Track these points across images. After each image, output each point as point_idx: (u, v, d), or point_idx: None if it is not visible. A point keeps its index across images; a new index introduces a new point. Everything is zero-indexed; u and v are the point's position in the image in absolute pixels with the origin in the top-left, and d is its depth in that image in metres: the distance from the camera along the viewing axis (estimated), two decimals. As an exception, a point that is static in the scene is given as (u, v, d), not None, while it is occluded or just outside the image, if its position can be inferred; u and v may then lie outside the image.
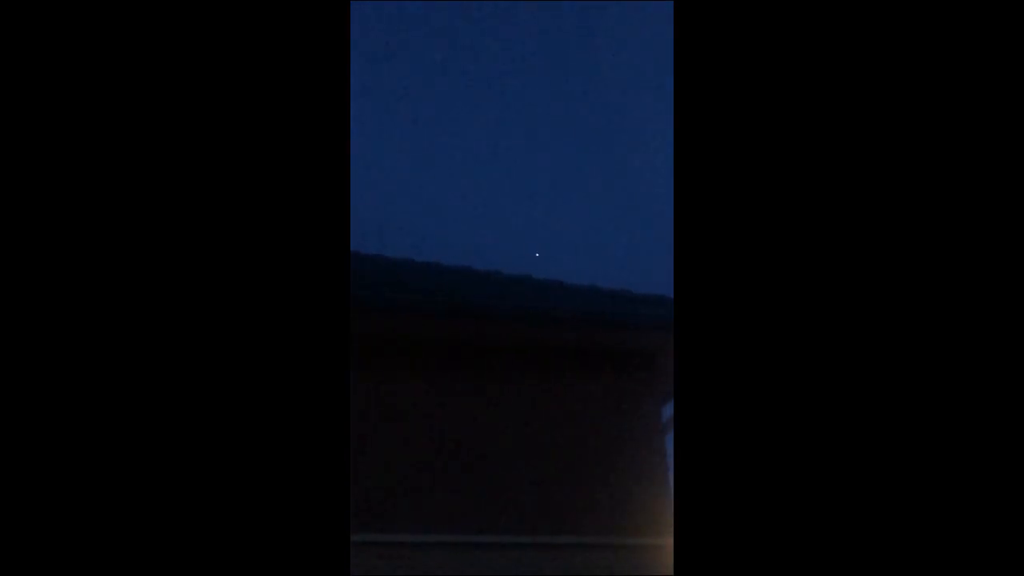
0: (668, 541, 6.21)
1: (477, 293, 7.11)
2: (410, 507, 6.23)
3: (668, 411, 7.22)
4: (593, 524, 6.44)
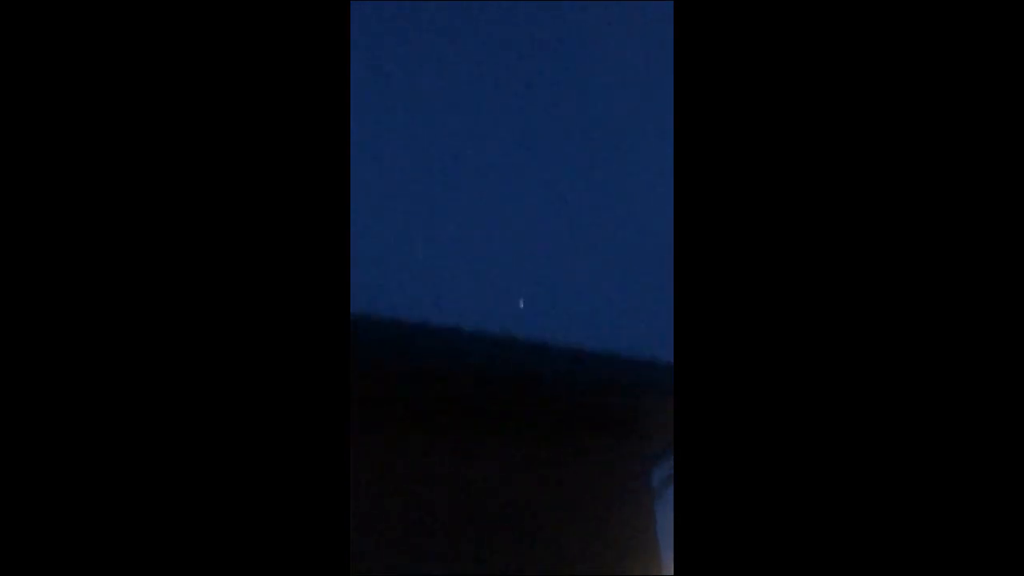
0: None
1: (459, 355, 6.86)
2: (380, 572, 5.93)
3: (658, 477, 6.99)
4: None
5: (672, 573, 6.32)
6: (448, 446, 6.57)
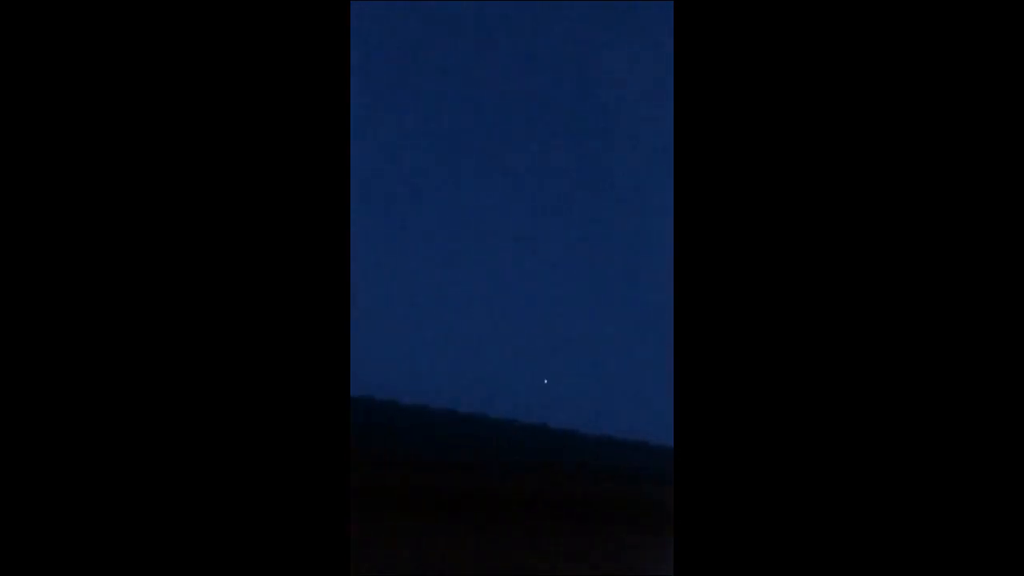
0: None
1: (488, 445, 6.92)
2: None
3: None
4: None
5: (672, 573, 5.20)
6: (473, 537, 6.51)
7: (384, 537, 5.50)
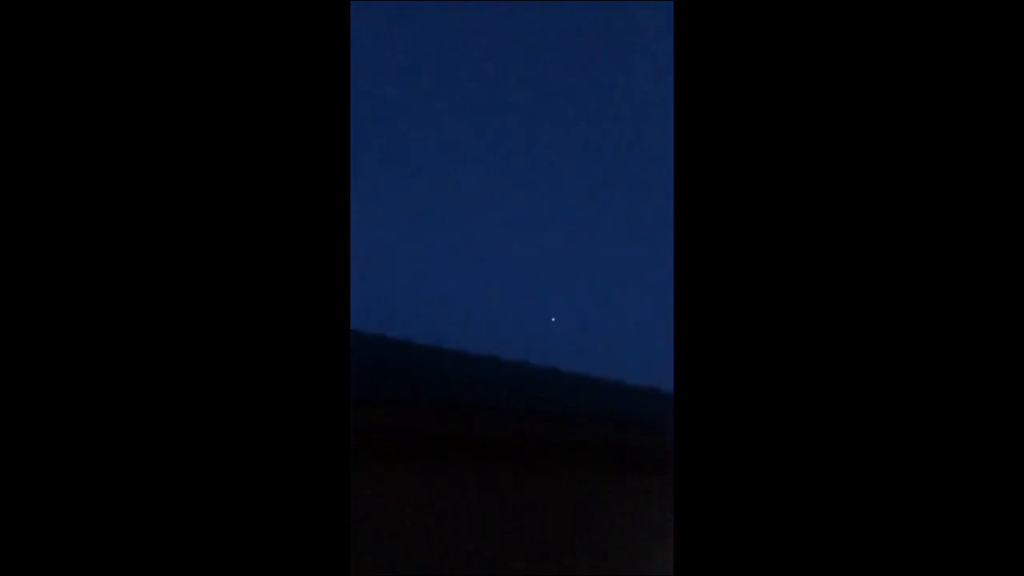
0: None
1: (499, 388, 6.85)
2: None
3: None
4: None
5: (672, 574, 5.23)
6: (482, 483, 6.44)
7: (387, 486, 5.47)
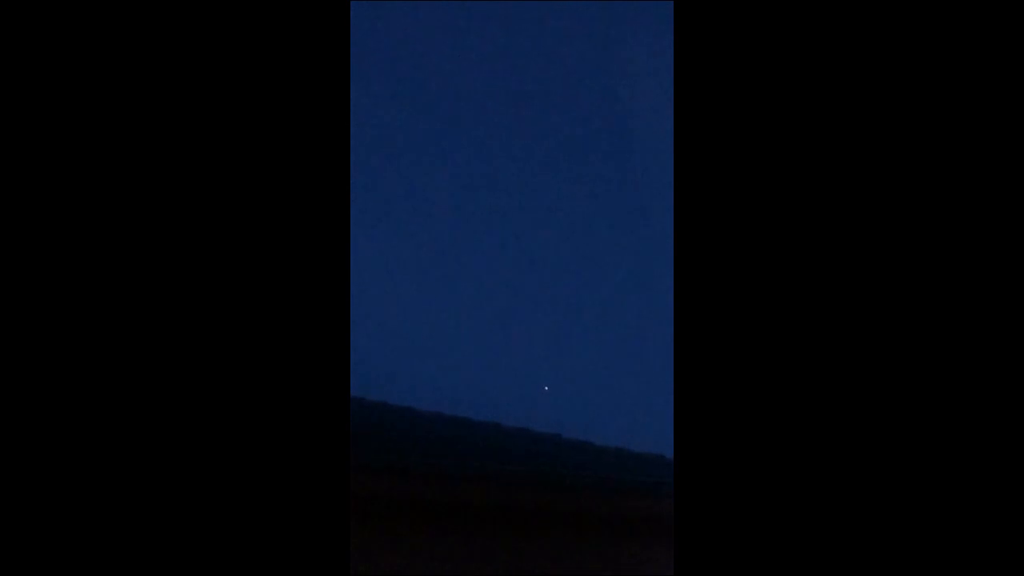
0: None
1: (500, 452, 6.81)
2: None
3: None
4: None
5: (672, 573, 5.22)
6: (481, 551, 6.41)
7: (385, 552, 5.44)
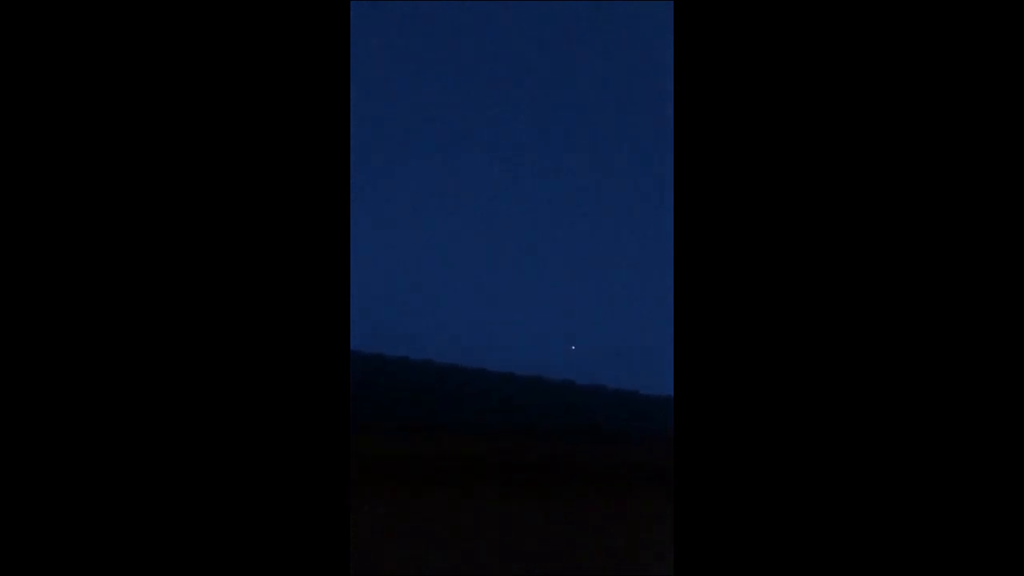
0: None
1: (515, 405, 6.92)
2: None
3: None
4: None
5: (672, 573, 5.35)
6: (494, 505, 6.51)
7: (402, 513, 5.53)
